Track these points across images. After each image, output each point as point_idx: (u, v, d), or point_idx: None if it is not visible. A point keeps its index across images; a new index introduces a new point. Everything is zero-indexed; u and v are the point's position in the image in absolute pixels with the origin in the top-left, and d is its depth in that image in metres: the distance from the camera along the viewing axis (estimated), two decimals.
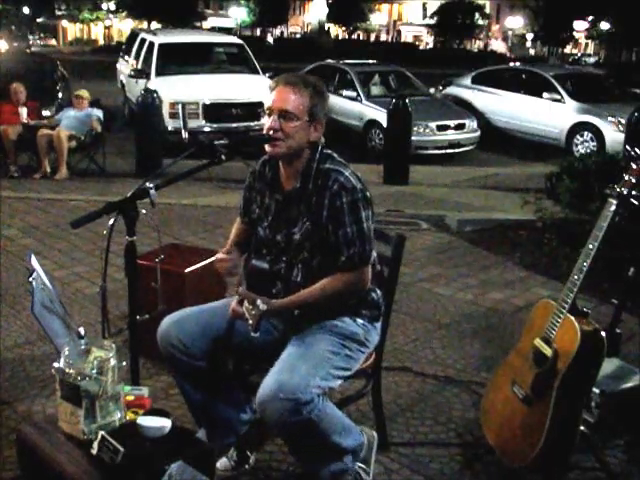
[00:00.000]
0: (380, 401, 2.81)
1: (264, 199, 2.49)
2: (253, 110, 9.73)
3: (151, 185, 2.19)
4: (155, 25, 41.47)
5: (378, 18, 63.76)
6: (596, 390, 2.88)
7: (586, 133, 10.60)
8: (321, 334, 2.36)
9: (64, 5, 69.06)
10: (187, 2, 43.02)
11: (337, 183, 2.30)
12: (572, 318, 2.45)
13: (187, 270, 3.44)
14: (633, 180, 2.51)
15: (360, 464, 2.48)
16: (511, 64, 17.11)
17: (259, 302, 2.19)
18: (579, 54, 52.69)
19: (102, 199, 6.19)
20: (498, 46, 56.89)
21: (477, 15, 48.09)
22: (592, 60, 44.03)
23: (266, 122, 2.34)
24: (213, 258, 3.57)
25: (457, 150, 10.47)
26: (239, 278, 2.47)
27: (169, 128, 9.36)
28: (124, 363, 2.20)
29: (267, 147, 2.34)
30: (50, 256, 5.17)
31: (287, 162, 2.38)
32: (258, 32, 58.55)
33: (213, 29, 43.67)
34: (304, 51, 27.93)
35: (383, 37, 64.62)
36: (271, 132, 2.30)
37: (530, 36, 53.62)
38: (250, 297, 2.22)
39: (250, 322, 2.20)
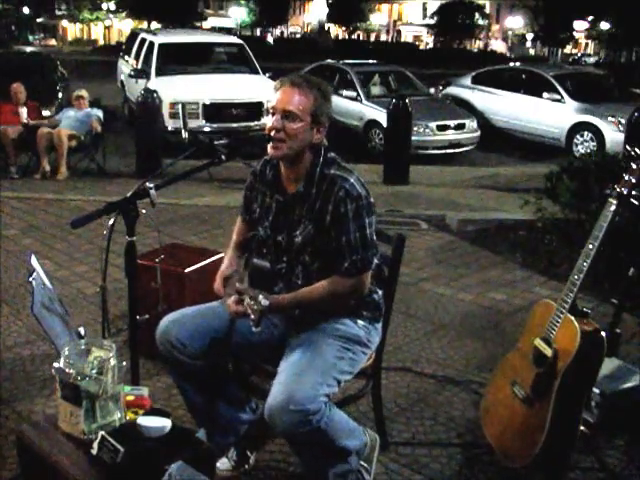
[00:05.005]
0: (380, 401, 2.81)
1: (265, 199, 2.48)
2: (253, 110, 9.74)
3: (151, 185, 2.20)
4: (155, 25, 41.43)
5: (378, 18, 63.81)
6: (596, 390, 2.88)
7: (586, 133, 10.59)
8: (324, 339, 2.36)
9: (64, 5, 69.07)
10: (187, 2, 42.95)
11: (343, 190, 2.29)
12: (572, 318, 2.45)
13: (187, 270, 3.44)
14: (633, 180, 2.52)
15: (362, 463, 2.48)
16: (511, 64, 17.09)
17: (261, 297, 2.19)
18: (579, 54, 52.69)
19: (102, 199, 6.20)
20: (498, 46, 56.91)
21: (477, 15, 47.98)
22: (592, 60, 44.02)
23: (268, 122, 2.33)
24: (214, 258, 3.62)
25: (457, 150, 10.46)
26: (238, 277, 2.46)
27: (169, 128, 9.35)
28: (124, 363, 2.19)
29: (269, 148, 2.33)
30: (50, 256, 5.17)
31: (288, 163, 2.37)
32: (258, 32, 58.55)
33: (213, 29, 43.64)
34: (304, 51, 27.95)
35: (383, 37, 64.65)
36: (273, 132, 2.29)
37: (530, 36, 53.59)
38: (251, 293, 2.22)
39: (252, 317, 2.20)
